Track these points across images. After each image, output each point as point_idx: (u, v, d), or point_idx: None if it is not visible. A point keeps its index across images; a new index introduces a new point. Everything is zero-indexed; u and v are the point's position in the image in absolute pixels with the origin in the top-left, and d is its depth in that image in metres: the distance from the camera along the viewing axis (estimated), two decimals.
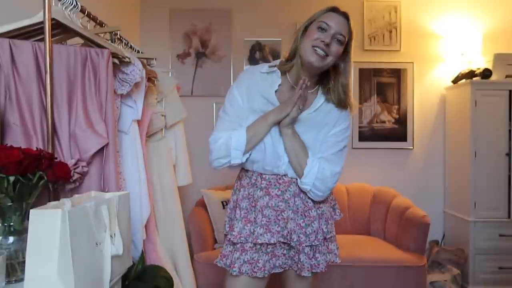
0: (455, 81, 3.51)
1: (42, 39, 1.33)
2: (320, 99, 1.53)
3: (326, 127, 1.51)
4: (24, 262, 1.01)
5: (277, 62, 1.58)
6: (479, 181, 3.26)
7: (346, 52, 1.51)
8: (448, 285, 3.11)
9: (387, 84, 3.70)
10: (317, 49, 1.42)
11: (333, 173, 1.49)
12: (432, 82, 3.72)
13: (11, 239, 1.10)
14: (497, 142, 3.27)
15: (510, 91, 3.27)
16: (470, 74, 3.33)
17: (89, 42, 1.55)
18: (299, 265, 1.48)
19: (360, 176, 3.66)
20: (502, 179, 3.27)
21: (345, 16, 1.48)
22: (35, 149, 1.20)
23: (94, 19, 1.70)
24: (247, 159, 1.50)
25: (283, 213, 1.48)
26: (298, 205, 1.49)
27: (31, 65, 1.33)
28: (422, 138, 3.74)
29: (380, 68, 3.68)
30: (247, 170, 1.57)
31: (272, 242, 1.46)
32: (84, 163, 1.38)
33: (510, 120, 3.27)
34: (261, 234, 1.46)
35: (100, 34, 1.72)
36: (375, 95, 3.70)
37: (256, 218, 1.48)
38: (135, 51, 2.18)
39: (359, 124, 3.70)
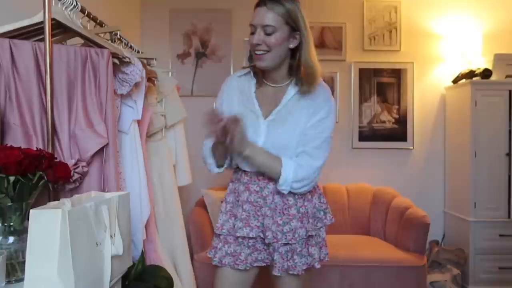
0: (455, 81, 3.51)
1: (42, 39, 1.33)
2: (290, 91, 1.49)
3: (302, 119, 1.46)
4: (24, 262, 1.01)
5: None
6: (479, 181, 3.26)
7: (296, 31, 1.43)
8: (448, 285, 3.11)
9: (387, 84, 3.70)
10: (255, 52, 1.42)
11: (313, 168, 1.46)
12: (432, 82, 3.72)
13: (11, 239, 1.10)
14: (497, 142, 3.27)
15: (510, 91, 3.27)
16: (470, 74, 3.34)
17: (89, 42, 1.55)
18: (272, 263, 1.49)
19: (360, 176, 3.66)
20: (502, 179, 3.27)
21: (264, 2, 1.39)
22: (35, 149, 1.20)
23: (94, 19, 1.70)
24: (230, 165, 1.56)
25: (261, 209, 1.48)
26: (277, 202, 1.48)
27: (31, 65, 1.34)
28: (422, 138, 3.74)
29: (380, 68, 3.68)
30: (237, 166, 1.58)
31: (251, 236, 1.47)
32: (84, 163, 1.38)
33: (510, 120, 3.27)
34: (240, 228, 1.48)
35: (100, 34, 1.72)
36: (375, 95, 3.70)
37: (238, 212, 1.50)
38: (135, 51, 2.18)
39: (359, 124, 3.70)
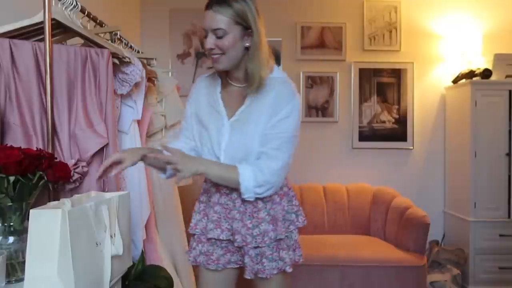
0: (455, 81, 3.51)
1: (42, 39, 1.33)
2: (252, 94, 1.43)
3: (263, 118, 1.40)
4: (24, 262, 1.01)
5: None
6: (479, 181, 3.26)
7: (249, 29, 1.38)
8: (448, 285, 3.11)
9: (387, 84, 3.70)
10: (211, 56, 1.40)
11: (273, 171, 1.38)
12: (432, 82, 3.72)
13: (11, 239, 1.10)
14: (497, 142, 3.27)
15: (510, 91, 3.27)
16: (470, 74, 3.34)
17: (89, 42, 1.55)
18: (243, 266, 1.48)
19: (360, 176, 3.66)
20: (502, 179, 3.26)
21: (211, 5, 1.35)
22: (35, 149, 1.20)
23: (94, 19, 1.70)
24: None
25: (231, 212, 1.46)
26: (246, 205, 1.45)
27: (31, 65, 1.34)
28: (422, 138, 3.74)
29: (380, 68, 3.68)
30: None
31: (221, 238, 1.46)
32: (84, 163, 1.38)
33: (510, 120, 3.27)
34: (211, 229, 1.47)
35: (100, 34, 1.72)
36: (375, 95, 3.70)
37: (209, 213, 1.49)
38: (135, 51, 2.18)
39: (359, 124, 3.70)
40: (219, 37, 1.35)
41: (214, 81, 1.52)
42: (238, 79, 1.47)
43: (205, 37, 1.38)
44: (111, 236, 1.12)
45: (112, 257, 1.10)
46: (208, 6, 1.35)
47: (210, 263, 1.49)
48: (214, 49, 1.36)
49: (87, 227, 1.02)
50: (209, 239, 1.50)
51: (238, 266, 1.53)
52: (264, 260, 1.45)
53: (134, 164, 1.34)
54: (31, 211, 0.96)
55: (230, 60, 1.39)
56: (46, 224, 0.94)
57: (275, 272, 1.45)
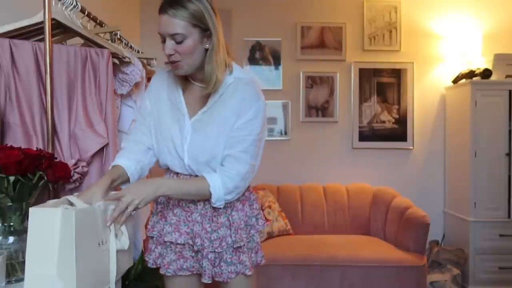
0: (455, 81, 3.51)
1: (42, 39, 1.33)
2: (215, 94, 1.39)
3: (229, 120, 1.36)
4: (24, 262, 1.01)
5: None
6: (479, 181, 3.26)
7: (207, 31, 1.32)
8: (448, 285, 3.11)
9: (387, 84, 3.70)
10: (170, 61, 1.34)
11: (241, 175, 1.35)
12: (432, 82, 3.72)
13: (11, 239, 1.10)
14: (497, 142, 3.27)
15: (510, 91, 3.27)
16: (470, 74, 3.33)
17: (89, 42, 1.55)
18: (201, 271, 1.43)
19: (360, 176, 3.66)
20: (502, 179, 3.26)
21: (165, 10, 1.28)
22: (35, 149, 1.20)
23: (94, 19, 1.70)
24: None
25: (192, 215, 1.42)
26: (207, 209, 1.41)
27: (31, 65, 1.34)
28: (422, 138, 3.74)
29: (380, 68, 3.68)
30: (168, 167, 1.48)
31: (179, 242, 1.41)
32: (84, 163, 1.38)
33: (510, 120, 3.27)
34: (169, 233, 1.42)
35: (100, 34, 1.72)
36: (375, 95, 3.70)
37: (167, 216, 1.44)
38: (135, 51, 2.18)
39: (359, 124, 3.70)
40: (178, 42, 1.29)
41: (176, 77, 1.43)
42: (200, 79, 1.40)
43: (162, 42, 1.32)
44: (116, 235, 1.12)
45: (117, 254, 1.11)
46: (162, 10, 1.28)
47: (162, 267, 1.44)
48: (173, 54, 1.30)
49: (92, 226, 1.03)
50: (164, 242, 1.44)
51: (190, 273, 1.46)
52: (222, 263, 1.41)
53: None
54: (31, 209, 0.95)
55: (191, 65, 1.33)
56: (46, 222, 0.94)
57: (233, 276, 1.42)
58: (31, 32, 1.46)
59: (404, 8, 3.68)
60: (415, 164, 3.74)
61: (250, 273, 1.43)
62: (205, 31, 1.30)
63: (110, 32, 1.89)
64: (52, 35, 1.38)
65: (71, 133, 1.39)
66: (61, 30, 1.55)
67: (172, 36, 1.28)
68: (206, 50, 1.33)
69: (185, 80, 1.43)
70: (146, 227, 1.82)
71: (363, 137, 3.70)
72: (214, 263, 1.41)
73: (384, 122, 3.70)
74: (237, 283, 1.44)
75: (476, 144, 3.26)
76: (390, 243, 3.13)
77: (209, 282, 1.41)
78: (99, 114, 1.44)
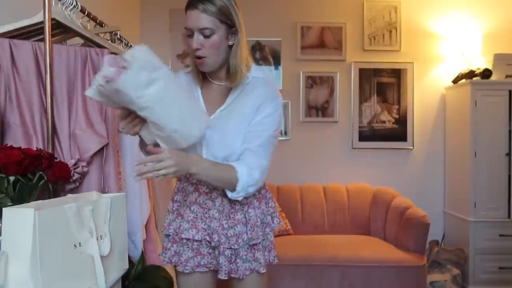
0: (455, 81, 3.51)
1: (42, 39, 1.33)
2: (236, 89, 1.44)
3: (248, 117, 1.40)
4: None
5: None
6: (479, 181, 3.26)
7: (233, 27, 1.38)
8: (448, 285, 3.11)
9: (387, 84, 3.70)
10: (196, 56, 1.38)
11: (262, 168, 1.39)
12: (432, 82, 3.72)
13: None
14: (497, 142, 3.27)
15: (510, 91, 3.27)
16: (470, 74, 3.33)
17: (89, 42, 1.55)
18: (217, 267, 1.44)
19: (360, 176, 3.66)
20: (502, 179, 3.26)
21: (196, 5, 1.33)
22: (35, 149, 1.20)
23: (94, 19, 1.70)
24: None
25: (209, 212, 1.44)
26: (225, 205, 1.44)
27: (31, 65, 1.34)
28: (422, 138, 3.74)
29: (380, 68, 3.68)
30: None
31: (196, 238, 1.43)
32: (84, 163, 1.38)
33: (510, 120, 3.27)
34: (186, 229, 1.43)
35: (100, 34, 1.72)
36: (375, 95, 3.70)
37: (185, 213, 1.46)
38: None
39: (359, 124, 3.70)
40: (206, 37, 1.33)
41: (194, 79, 1.48)
42: (219, 77, 1.45)
43: (189, 36, 1.36)
44: (99, 237, 1.10)
45: (103, 259, 1.10)
46: (192, 5, 1.33)
47: (179, 265, 1.45)
48: (201, 49, 1.34)
49: (64, 228, 1.01)
50: (180, 240, 1.46)
51: (207, 269, 1.47)
52: (238, 260, 1.43)
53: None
54: (4, 209, 0.95)
55: (216, 61, 1.38)
56: (19, 223, 0.93)
57: (247, 273, 1.43)
58: (31, 32, 1.46)
59: (404, 8, 3.68)
60: (415, 164, 3.74)
61: (264, 271, 1.46)
62: (231, 27, 1.37)
63: (110, 32, 1.89)
64: (52, 35, 1.38)
65: (71, 133, 1.39)
66: (61, 30, 1.55)
67: (201, 30, 1.33)
68: (230, 47, 1.39)
69: (203, 79, 1.47)
70: (147, 227, 1.82)
71: (363, 137, 3.70)
72: (231, 260, 1.43)
73: (384, 122, 3.70)
74: (251, 281, 1.46)
75: (476, 144, 3.26)
76: (390, 243, 3.13)
77: (226, 278, 1.42)
78: (99, 114, 1.45)
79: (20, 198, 1.12)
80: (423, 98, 3.72)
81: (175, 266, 1.48)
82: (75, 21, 1.51)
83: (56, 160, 1.24)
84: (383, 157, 3.71)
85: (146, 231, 1.81)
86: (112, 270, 1.17)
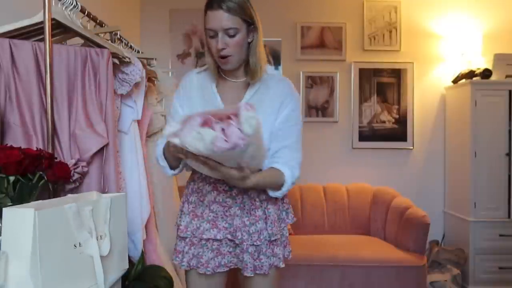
0: (455, 81, 3.51)
1: (42, 39, 1.33)
2: (254, 85, 1.46)
3: (272, 114, 1.43)
4: None
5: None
6: (479, 181, 3.26)
7: (252, 25, 1.40)
8: (448, 285, 3.11)
9: (387, 84, 3.70)
10: (221, 56, 1.39)
11: (299, 163, 1.46)
12: (432, 82, 3.72)
13: None
14: (497, 142, 3.27)
15: (510, 91, 3.27)
16: (470, 74, 3.34)
17: (89, 42, 1.55)
18: (242, 264, 1.44)
19: (360, 176, 3.66)
20: (502, 179, 3.27)
21: (220, 5, 1.33)
22: (35, 149, 1.20)
23: (94, 19, 1.70)
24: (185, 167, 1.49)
25: (230, 209, 1.44)
26: (245, 202, 1.44)
27: (31, 65, 1.34)
28: (422, 138, 3.74)
29: (380, 68, 3.68)
30: None
31: (218, 238, 1.43)
32: (84, 163, 1.38)
33: (510, 120, 3.27)
34: (207, 230, 1.43)
35: (100, 34, 1.72)
36: (375, 95, 3.70)
37: (203, 213, 1.45)
38: (135, 51, 2.18)
39: (359, 124, 3.70)
40: (231, 36, 1.35)
41: (208, 77, 1.50)
42: (236, 74, 1.47)
43: (211, 37, 1.37)
44: (99, 237, 1.10)
45: (103, 259, 1.10)
46: (215, 5, 1.34)
47: (199, 266, 1.45)
48: (225, 48, 1.36)
49: (64, 228, 1.01)
50: (199, 241, 1.45)
51: (227, 269, 1.48)
52: (261, 256, 1.45)
53: None
54: (4, 209, 0.95)
55: (239, 59, 1.41)
56: (19, 223, 0.93)
57: (268, 267, 1.46)
58: (31, 32, 1.46)
59: (404, 8, 3.68)
60: (415, 164, 3.74)
61: (283, 265, 1.49)
62: (250, 25, 1.39)
63: (110, 32, 1.89)
64: (52, 35, 1.38)
65: (71, 133, 1.39)
66: (61, 30, 1.54)
67: (226, 30, 1.35)
68: (248, 44, 1.42)
69: (218, 77, 1.49)
70: (147, 227, 1.82)
71: (363, 137, 3.70)
72: (254, 256, 1.44)
73: (384, 122, 3.70)
74: (271, 275, 1.49)
75: (476, 144, 3.26)
76: (390, 243, 3.13)
77: (252, 275, 1.44)
78: (99, 114, 1.44)
79: (20, 198, 1.12)
80: (423, 98, 3.72)
81: (190, 269, 1.47)
82: (75, 21, 1.51)
83: (56, 160, 1.24)
84: (383, 157, 3.71)
85: (146, 231, 1.81)
86: (112, 270, 1.16)
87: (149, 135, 2.08)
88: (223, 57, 1.38)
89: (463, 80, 3.39)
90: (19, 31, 1.41)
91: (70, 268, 1.03)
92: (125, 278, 1.33)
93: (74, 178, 1.35)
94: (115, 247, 1.17)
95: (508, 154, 3.26)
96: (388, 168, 3.72)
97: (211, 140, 1.11)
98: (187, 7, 3.60)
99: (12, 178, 1.09)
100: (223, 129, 1.15)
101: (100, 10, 2.18)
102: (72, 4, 1.48)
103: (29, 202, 1.14)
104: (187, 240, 1.48)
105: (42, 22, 1.33)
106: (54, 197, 1.31)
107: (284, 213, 1.54)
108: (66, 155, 1.38)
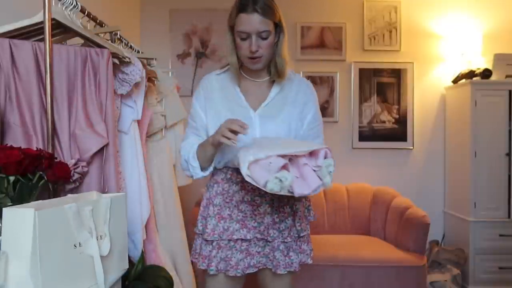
0: (455, 81, 3.51)
1: (42, 39, 1.33)
2: (277, 85, 1.50)
3: (295, 113, 1.50)
4: None
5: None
6: (479, 181, 3.26)
7: (278, 27, 1.44)
8: (448, 285, 3.11)
9: (387, 84, 3.70)
10: (253, 57, 1.41)
11: None
12: (432, 82, 3.72)
13: None
14: (497, 142, 3.27)
15: (510, 91, 3.27)
16: (470, 74, 3.33)
17: (89, 42, 1.55)
18: (274, 263, 1.45)
19: (360, 176, 3.66)
20: (502, 179, 3.26)
21: (255, 8, 1.36)
22: (35, 149, 1.20)
23: (94, 19, 1.70)
24: (215, 168, 1.51)
25: (259, 208, 1.44)
26: (274, 199, 1.45)
27: (31, 65, 1.33)
28: (422, 138, 3.74)
29: (380, 68, 3.68)
30: (224, 166, 1.53)
31: (248, 238, 1.43)
32: (84, 163, 1.38)
33: (510, 120, 3.27)
34: (236, 230, 1.43)
35: (100, 34, 1.72)
36: (375, 95, 3.70)
37: (232, 214, 1.45)
38: (135, 51, 2.18)
39: (359, 124, 3.70)
40: (264, 38, 1.39)
41: (229, 78, 1.52)
42: (258, 74, 1.50)
43: (243, 39, 1.39)
44: (99, 237, 1.10)
45: (103, 258, 1.10)
46: (251, 9, 1.36)
47: (229, 269, 1.44)
48: (258, 50, 1.40)
49: (64, 228, 1.01)
50: (227, 243, 1.45)
51: (256, 269, 1.47)
52: (291, 253, 1.47)
53: None
54: (4, 209, 0.95)
55: (268, 59, 1.45)
56: (19, 223, 0.93)
57: (298, 264, 1.49)
58: (31, 32, 1.46)
59: (404, 8, 3.68)
60: (415, 164, 3.74)
61: (311, 261, 1.52)
62: (277, 26, 1.43)
63: (110, 32, 1.89)
64: (52, 35, 1.38)
65: (71, 133, 1.39)
66: (61, 30, 1.54)
67: (260, 33, 1.38)
68: (275, 44, 1.45)
69: (239, 77, 1.52)
70: (147, 227, 1.82)
71: (363, 137, 3.70)
72: (284, 253, 1.46)
73: (384, 122, 3.70)
74: (289, 276, 1.52)
75: (476, 144, 3.26)
76: (390, 243, 3.13)
77: (285, 273, 1.46)
78: (99, 114, 1.44)
79: (20, 198, 1.12)
80: (423, 98, 3.72)
81: (218, 273, 1.47)
82: (75, 21, 1.51)
83: (56, 160, 1.24)
84: (383, 157, 3.71)
85: (146, 231, 1.81)
86: (112, 270, 1.16)
87: (149, 135, 2.08)
88: (254, 58, 1.41)
89: (463, 80, 3.39)
90: (19, 31, 1.41)
91: (70, 268, 1.03)
92: (125, 278, 1.33)
93: (74, 178, 1.35)
94: (115, 247, 1.17)
95: (508, 154, 3.26)
96: (388, 168, 3.72)
97: (290, 183, 1.20)
98: (187, 7, 3.60)
99: (12, 178, 1.09)
100: (300, 172, 1.26)
101: (100, 10, 2.18)
102: (72, 4, 1.48)
103: (29, 202, 1.14)
104: (214, 243, 1.47)
105: (42, 22, 1.33)
106: (54, 197, 1.31)
107: (306, 210, 1.57)
108: (66, 155, 1.38)
